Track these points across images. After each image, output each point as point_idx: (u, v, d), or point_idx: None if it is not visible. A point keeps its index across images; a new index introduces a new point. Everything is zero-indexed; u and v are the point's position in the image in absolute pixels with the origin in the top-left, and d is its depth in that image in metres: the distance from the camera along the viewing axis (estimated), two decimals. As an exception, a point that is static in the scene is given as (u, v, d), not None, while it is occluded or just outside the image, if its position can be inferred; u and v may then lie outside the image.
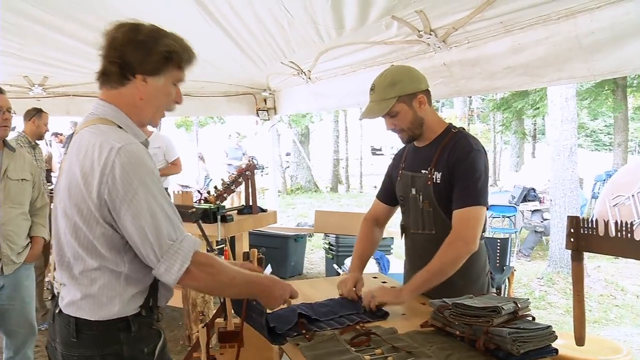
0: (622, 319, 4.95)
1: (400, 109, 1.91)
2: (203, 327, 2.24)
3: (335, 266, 5.36)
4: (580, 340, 1.61)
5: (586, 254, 1.60)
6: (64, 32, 3.34)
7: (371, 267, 4.53)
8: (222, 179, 4.31)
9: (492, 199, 6.18)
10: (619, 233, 1.49)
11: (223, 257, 3.42)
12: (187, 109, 6.29)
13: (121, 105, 1.37)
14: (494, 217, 8.28)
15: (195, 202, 4.14)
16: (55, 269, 1.41)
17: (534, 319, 1.53)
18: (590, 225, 1.57)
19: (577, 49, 2.51)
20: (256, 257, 2.22)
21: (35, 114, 4.15)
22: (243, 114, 6.45)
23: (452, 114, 22.96)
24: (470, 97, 17.99)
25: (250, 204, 4.37)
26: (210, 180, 12.72)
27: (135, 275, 1.33)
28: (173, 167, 5.07)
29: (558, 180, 6.21)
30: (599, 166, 13.17)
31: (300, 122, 15.82)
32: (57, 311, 1.37)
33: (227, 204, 4.29)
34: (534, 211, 8.19)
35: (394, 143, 19.06)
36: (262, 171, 13.48)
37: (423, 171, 1.98)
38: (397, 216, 2.25)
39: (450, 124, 2.03)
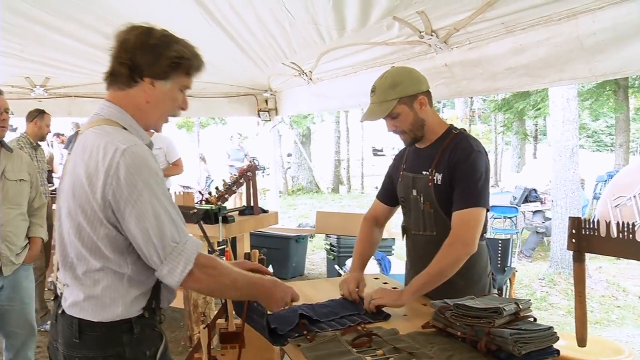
0: (623, 320, 4.94)
1: (401, 110, 1.91)
2: (204, 328, 2.24)
3: (337, 267, 5.36)
4: (581, 341, 1.60)
5: (588, 255, 1.59)
6: (64, 32, 3.35)
7: (372, 267, 4.53)
8: (224, 180, 4.31)
9: (493, 200, 6.19)
10: (620, 234, 1.49)
11: (224, 258, 3.42)
12: (188, 110, 6.26)
13: (127, 107, 1.37)
14: (495, 218, 8.28)
15: (197, 203, 4.15)
16: (58, 269, 1.42)
17: (535, 320, 1.53)
18: (591, 226, 1.57)
19: (578, 49, 2.50)
20: (257, 258, 2.23)
21: (37, 115, 4.16)
22: (244, 114, 6.45)
23: (454, 114, 22.94)
24: (472, 98, 18.00)
25: (252, 204, 4.38)
26: (212, 181, 12.73)
27: (138, 277, 1.33)
28: (174, 167, 5.07)
29: (559, 181, 6.20)
30: (601, 167, 13.15)
31: (301, 123, 15.83)
32: (60, 312, 1.38)
33: (228, 204, 4.29)
34: (535, 212, 8.18)
35: (395, 144, 19.10)
36: (263, 172, 13.49)
37: (424, 172, 1.98)
38: (398, 217, 2.25)
39: (452, 125, 2.03)
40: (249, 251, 2.34)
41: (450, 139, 1.95)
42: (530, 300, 1.58)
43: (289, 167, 17.50)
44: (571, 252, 1.62)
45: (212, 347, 2.25)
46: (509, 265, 3.99)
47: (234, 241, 4.60)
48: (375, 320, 1.76)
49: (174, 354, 2.02)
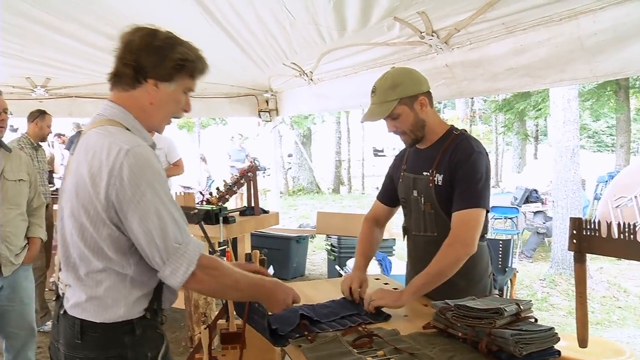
0: (624, 320, 4.94)
1: (401, 111, 1.91)
2: (205, 329, 2.24)
3: (338, 267, 5.36)
4: (583, 342, 1.60)
5: (589, 256, 1.59)
6: (64, 32, 3.35)
7: (373, 268, 4.53)
8: (224, 180, 4.31)
9: (494, 201, 6.19)
10: (621, 234, 1.48)
11: (225, 258, 3.42)
12: (189, 110, 6.30)
13: (130, 108, 1.38)
14: (496, 219, 8.28)
15: (197, 204, 4.15)
16: (59, 269, 1.42)
17: (536, 320, 1.53)
18: (592, 227, 1.57)
19: (579, 50, 2.50)
20: (258, 258, 2.23)
21: (38, 116, 4.16)
22: (245, 115, 6.45)
23: (454, 115, 22.92)
24: (472, 98, 17.98)
25: (253, 205, 4.38)
26: (212, 181, 12.74)
27: (140, 277, 1.33)
28: (175, 168, 5.08)
29: (560, 182, 6.20)
30: (602, 167, 13.12)
31: (302, 124, 15.83)
32: (61, 312, 1.38)
33: (229, 205, 4.29)
34: (536, 212, 8.18)
35: (395, 144, 19.08)
36: (264, 172, 13.50)
37: (425, 173, 1.98)
38: (399, 218, 2.25)
39: (452, 125, 2.03)
40: (250, 252, 2.34)
41: (451, 140, 1.95)
42: (531, 300, 1.58)
43: (290, 168, 17.50)
44: (572, 253, 1.62)
45: (213, 347, 2.25)
46: (509, 265, 3.99)
47: (234, 242, 4.60)
48: (376, 321, 1.76)
49: (174, 354, 2.02)
